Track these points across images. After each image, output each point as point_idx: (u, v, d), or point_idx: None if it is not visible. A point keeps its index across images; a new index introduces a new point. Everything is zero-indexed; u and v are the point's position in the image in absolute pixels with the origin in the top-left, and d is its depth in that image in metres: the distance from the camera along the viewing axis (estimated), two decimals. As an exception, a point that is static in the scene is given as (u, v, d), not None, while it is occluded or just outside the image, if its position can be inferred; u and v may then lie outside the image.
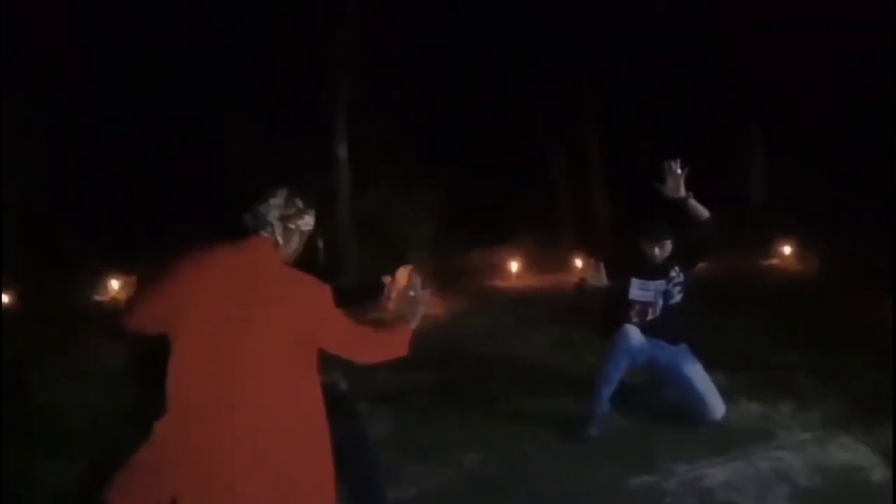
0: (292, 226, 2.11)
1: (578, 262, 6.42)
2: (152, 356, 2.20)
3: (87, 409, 3.89)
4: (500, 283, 6.52)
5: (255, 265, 2.03)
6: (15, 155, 6.22)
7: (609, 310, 3.83)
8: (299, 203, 2.13)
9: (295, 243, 2.14)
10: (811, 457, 3.34)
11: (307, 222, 2.16)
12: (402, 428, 3.73)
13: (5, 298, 5.95)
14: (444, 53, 7.46)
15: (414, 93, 7.10)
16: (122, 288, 6.47)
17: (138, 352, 3.79)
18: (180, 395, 1.97)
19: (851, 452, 3.37)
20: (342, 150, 6.31)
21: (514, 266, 6.69)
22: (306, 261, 2.19)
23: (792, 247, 7.12)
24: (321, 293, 2.05)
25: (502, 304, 5.91)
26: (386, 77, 6.84)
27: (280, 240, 2.09)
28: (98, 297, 6.45)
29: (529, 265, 6.75)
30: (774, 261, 7.13)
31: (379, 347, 2.22)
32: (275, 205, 2.10)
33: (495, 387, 4.21)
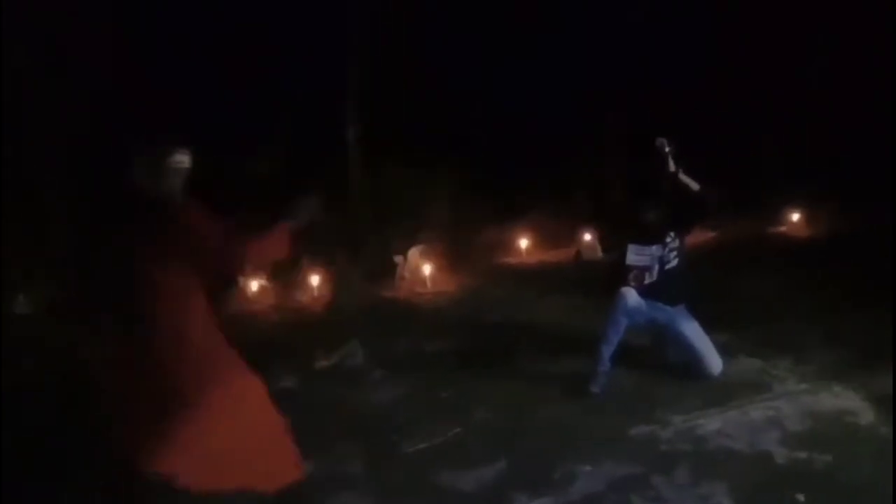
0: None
1: (587, 237, 6.61)
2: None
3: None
4: (511, 260, 6.71)
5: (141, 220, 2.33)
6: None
7: (609, 276, 4.04)
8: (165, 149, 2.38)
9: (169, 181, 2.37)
10: (803, 404, 3.52)
11: (177, 161, 2.39)
12: (416, 389, 3.97)
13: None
14: (454, 36, 7.62)
15: (424, 74, 7.29)
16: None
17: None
18: None
19: (842, 399, 3.54)
20: (352, 133, 6.52)
21: (524, 243, 6.88)
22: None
23: (800, 214, 7.22)
24: (182, 216, 2.31)
25: (512, 279, 6.10)
26: (396, 59, 7.04)
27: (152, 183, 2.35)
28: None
29: (538, 241, 6.93)
30: (783, 228, 7.24)
31: (259, 254, 2.49)
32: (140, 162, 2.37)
33: (503, 351, 4.42)
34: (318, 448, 3.33)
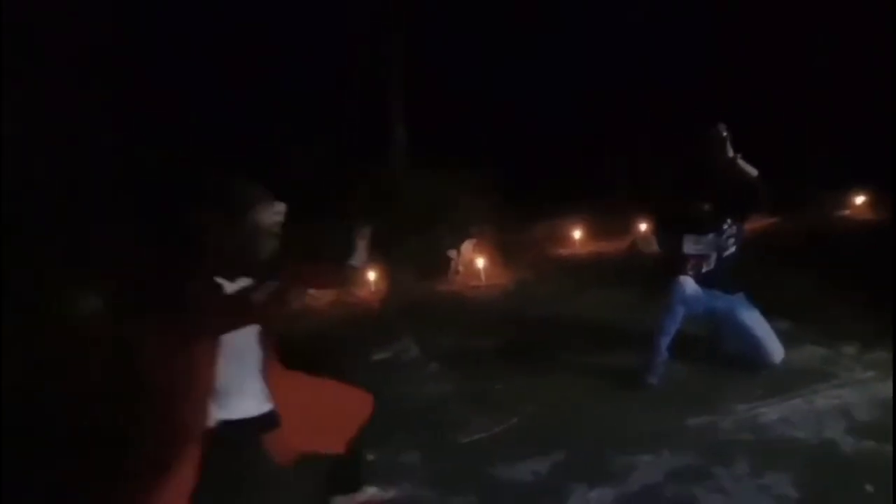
0: None
1: (642, 227, 6.54)
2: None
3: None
4: (563, 252, 6.68)
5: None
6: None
7: (666, 265, 3.99)
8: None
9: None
10: (871, 393, 3.41)
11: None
12: (470, 384, 3.99)
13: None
14: (496, 30, 7.69)
15: (470, 70, 7.35)
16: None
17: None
18: None
19: (914, 387, 3.42)
20: (401, 131, 6.58)
21: (577, 234, 6.84)
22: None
23: (865, 197, 6.98)
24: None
25: (565, 271, 6.06)
26: (442, 56, 7.12)
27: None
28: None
29: (592, 233, 6.88)
30: (847, 211, 7.01)
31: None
32: None
33: (557, 343, 4.42)
34: (376, 440, 3.39)
